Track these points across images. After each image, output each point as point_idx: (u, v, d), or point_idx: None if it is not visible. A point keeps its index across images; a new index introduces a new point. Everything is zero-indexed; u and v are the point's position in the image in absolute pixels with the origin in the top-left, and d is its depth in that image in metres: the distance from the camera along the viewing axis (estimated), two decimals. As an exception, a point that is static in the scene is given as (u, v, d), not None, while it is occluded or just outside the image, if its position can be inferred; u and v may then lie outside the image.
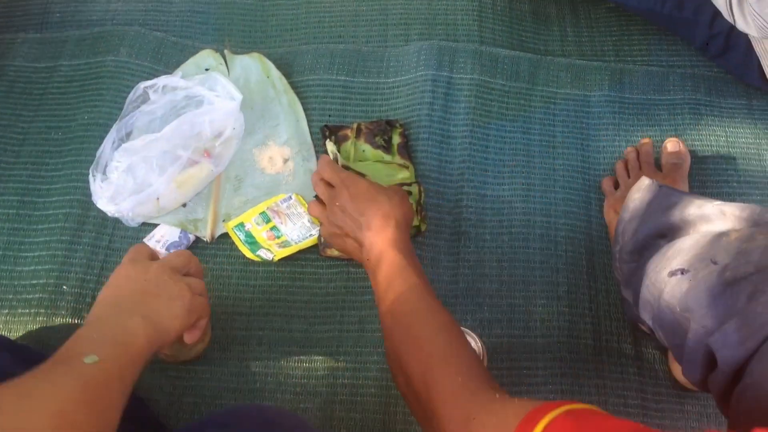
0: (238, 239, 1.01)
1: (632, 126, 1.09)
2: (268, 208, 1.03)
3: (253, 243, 1.01)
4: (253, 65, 1.14)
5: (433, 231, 1.01)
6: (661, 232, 0.78)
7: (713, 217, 0.73)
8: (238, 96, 1.05)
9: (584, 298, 0.97)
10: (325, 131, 1.07)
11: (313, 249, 1.00)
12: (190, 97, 1.08)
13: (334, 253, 0.99)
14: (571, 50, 1.18)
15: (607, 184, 1.03)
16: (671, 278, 0.70)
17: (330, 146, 1.05)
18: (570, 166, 1.06)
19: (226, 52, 1.15)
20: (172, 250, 1.00)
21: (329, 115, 1.10)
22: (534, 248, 1.00)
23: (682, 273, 0.69)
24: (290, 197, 1.04)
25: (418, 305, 0.75)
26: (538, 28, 1.21)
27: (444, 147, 1.06)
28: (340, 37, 1.19)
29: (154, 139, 1.01)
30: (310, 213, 0.96)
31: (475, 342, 0.83)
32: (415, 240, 0.98)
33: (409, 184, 1.01)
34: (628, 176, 1.02)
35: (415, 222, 0.98)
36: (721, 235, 0.70)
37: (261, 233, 1.01)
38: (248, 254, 1.00)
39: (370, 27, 1.19)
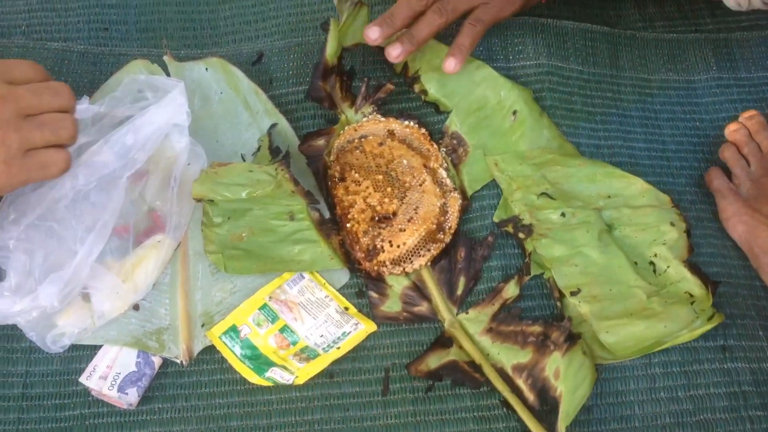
0: (231, 354, 0.64)
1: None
2: (270, 297, 0.66)
3: (256, 358, 0.64)
4: (212, 77, 0.76)
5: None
6: None
7: None
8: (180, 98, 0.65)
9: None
10: None
11: (352, 356, 0.64)
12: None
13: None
14: (654, 15, 0.85)
15: (717, 177, 0.71)
16: None
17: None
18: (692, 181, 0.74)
19: (166, 59, 0.76)
20: (128, 392, 0.62)
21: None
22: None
23: None
24: (302, 276, 0.67)
25: None
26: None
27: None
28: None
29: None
30: None
31: None
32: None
33: None
34: (748, 163, 0.71)
35: None
36: None
37: (267, 340, 0.64)
38: (252, 377, 0.63)
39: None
